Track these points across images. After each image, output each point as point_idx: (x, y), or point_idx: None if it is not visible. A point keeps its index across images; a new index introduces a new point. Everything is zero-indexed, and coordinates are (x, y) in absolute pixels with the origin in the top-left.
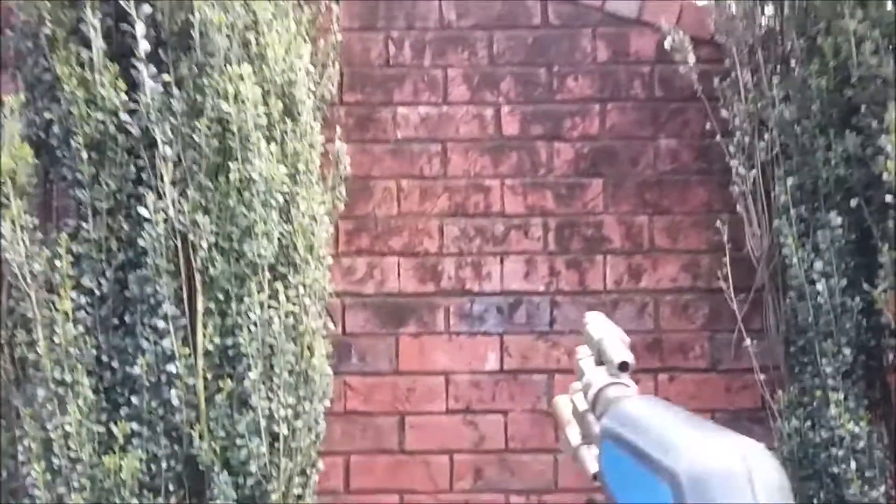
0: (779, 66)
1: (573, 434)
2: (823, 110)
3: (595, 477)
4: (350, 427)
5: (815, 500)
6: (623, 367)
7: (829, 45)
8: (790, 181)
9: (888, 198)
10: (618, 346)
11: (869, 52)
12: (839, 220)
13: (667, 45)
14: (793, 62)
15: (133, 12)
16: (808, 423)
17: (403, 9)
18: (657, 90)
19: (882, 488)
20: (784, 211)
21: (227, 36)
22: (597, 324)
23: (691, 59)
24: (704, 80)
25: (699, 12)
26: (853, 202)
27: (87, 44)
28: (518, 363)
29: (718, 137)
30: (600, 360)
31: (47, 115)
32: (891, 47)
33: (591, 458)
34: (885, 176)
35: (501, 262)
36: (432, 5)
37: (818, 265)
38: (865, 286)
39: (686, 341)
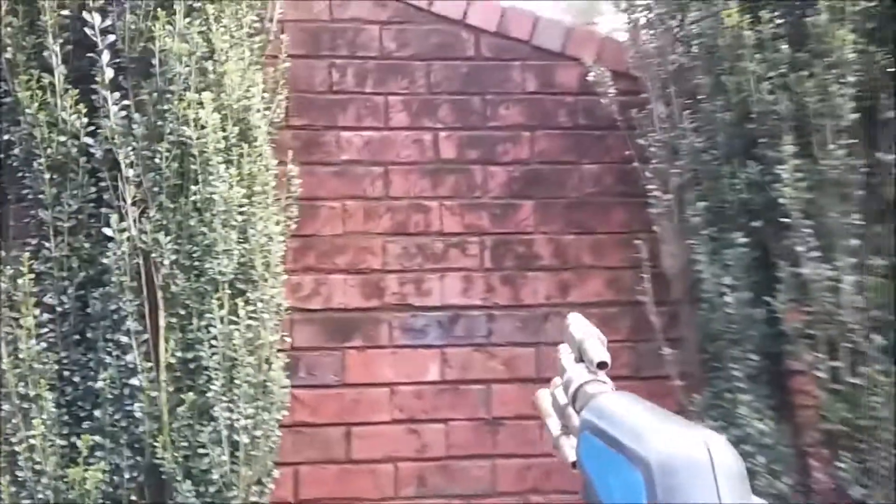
0: (689, 100)
1: (553, 425)
2: (728, 141)
3: (574, 465)
4: (299, 438)
5: None
6: (601, 365)
7: (733, 83)
8: (701, 204)
9: (784, 220)
10: (597, 346)
11: (766, 90)
12: (744, 240)
13: (589, 77)
14: (701, 97)
15: (99, 42)
16: (722, 422)
17: (346, 38)
18: (581, 119)
19: (788, 480)
20: (696, 231)
21: (186, 64)
22: (578, 325)
23: (611, 91)
24: (624, 110)
25: (619, 47)
26: (756, 223)
27: (48, 68)
28: (458, 374)
29: (637, 163)
30: (580, 358)
31: (7, 137)
32: (785, 87)
33: (569, 448)
34: (781, 200)
35: (441, 278)
36: (373, 36)
37: (726, 280)
38: (768, 298)
39: (611, 351)
